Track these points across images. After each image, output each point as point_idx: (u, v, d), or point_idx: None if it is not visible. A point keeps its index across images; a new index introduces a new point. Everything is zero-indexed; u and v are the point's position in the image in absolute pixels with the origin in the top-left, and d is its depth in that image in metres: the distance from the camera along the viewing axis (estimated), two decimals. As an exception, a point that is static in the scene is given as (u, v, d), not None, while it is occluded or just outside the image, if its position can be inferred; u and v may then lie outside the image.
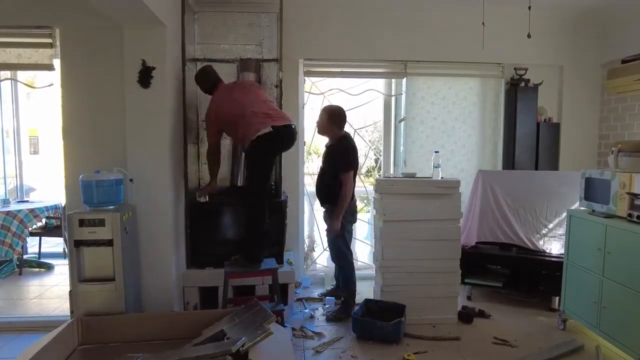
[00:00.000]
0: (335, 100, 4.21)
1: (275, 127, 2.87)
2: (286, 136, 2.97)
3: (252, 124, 2.89)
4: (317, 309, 3.52)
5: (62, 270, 4.44)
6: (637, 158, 2.65)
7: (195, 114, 3.52)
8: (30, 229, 4.35)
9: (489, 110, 4.33)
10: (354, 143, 3.40)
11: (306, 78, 4.14)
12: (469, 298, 3.70)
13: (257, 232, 2.96)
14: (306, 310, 3.45)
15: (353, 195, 3.37)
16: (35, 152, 11.23)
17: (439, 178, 3.28)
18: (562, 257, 3.18)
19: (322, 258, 4.43)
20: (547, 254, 3.59)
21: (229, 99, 3.02)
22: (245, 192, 3.18)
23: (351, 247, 3.52)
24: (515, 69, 4.17)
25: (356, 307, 3.21)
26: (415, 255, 3.19)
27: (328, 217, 3.38)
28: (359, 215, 3.77)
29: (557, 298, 3.36)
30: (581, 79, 4.28)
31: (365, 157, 4.93)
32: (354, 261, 3.52)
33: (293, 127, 3.00)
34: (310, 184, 4.40)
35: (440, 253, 3.21)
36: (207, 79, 3.13)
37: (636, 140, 3.71)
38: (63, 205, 4.25)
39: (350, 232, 3.51)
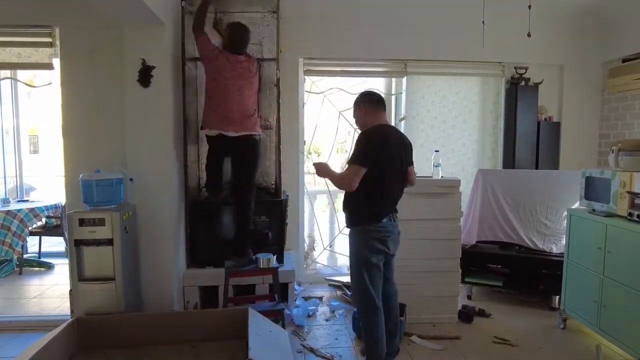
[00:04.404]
0: (335, 99, 4.21)
1: (223, 135, 2.87)
2: (233, 147, 2.93)
3: (208, 117, 2.91)
4: (316, 309, 3.51)
5: (62, 269, 4.43)
6: (638, 157, 2.64)
7: (195, 113, 3.51)
8: (30, 228, 4.35)
9: (489, 109, 4.32)
10: (386, 131, 2.43)
11: (306, 77, 4.14)
12: (469, 297, 3.70)
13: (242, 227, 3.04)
14: (311, 307, 3.47)
15: (382, 212, 2.46)
16: (35, 152, 11.26)
17: (439, 177, 3.27)
18: (563, 256, 3.18)
19: (322, 257, 4.43)
20: (547, 253, 3.58)
21: (228, 68, 2.94)
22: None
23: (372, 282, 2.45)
24: (515, 68, 4.17)
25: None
26: (415, 255, 3.19)
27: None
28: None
29: (558, 297, 3.36)
30: (581, 78, 4.28)
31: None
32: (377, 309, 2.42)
33: (256, 137, 2.99)
34: (310, 182, 4.41)
35: (440, 252, 3.21)
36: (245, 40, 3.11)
37: (636, 139, 3.71)
38: (63, 204, 4.26)
39: (377, 269, 2.46)
